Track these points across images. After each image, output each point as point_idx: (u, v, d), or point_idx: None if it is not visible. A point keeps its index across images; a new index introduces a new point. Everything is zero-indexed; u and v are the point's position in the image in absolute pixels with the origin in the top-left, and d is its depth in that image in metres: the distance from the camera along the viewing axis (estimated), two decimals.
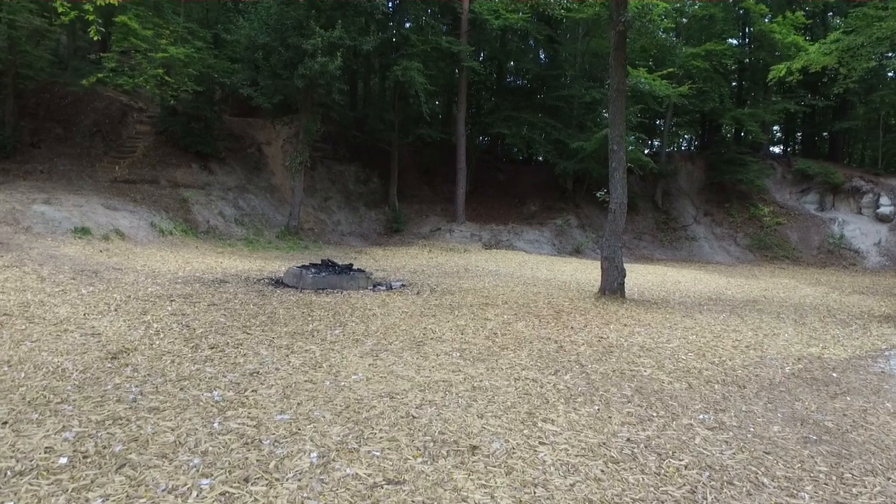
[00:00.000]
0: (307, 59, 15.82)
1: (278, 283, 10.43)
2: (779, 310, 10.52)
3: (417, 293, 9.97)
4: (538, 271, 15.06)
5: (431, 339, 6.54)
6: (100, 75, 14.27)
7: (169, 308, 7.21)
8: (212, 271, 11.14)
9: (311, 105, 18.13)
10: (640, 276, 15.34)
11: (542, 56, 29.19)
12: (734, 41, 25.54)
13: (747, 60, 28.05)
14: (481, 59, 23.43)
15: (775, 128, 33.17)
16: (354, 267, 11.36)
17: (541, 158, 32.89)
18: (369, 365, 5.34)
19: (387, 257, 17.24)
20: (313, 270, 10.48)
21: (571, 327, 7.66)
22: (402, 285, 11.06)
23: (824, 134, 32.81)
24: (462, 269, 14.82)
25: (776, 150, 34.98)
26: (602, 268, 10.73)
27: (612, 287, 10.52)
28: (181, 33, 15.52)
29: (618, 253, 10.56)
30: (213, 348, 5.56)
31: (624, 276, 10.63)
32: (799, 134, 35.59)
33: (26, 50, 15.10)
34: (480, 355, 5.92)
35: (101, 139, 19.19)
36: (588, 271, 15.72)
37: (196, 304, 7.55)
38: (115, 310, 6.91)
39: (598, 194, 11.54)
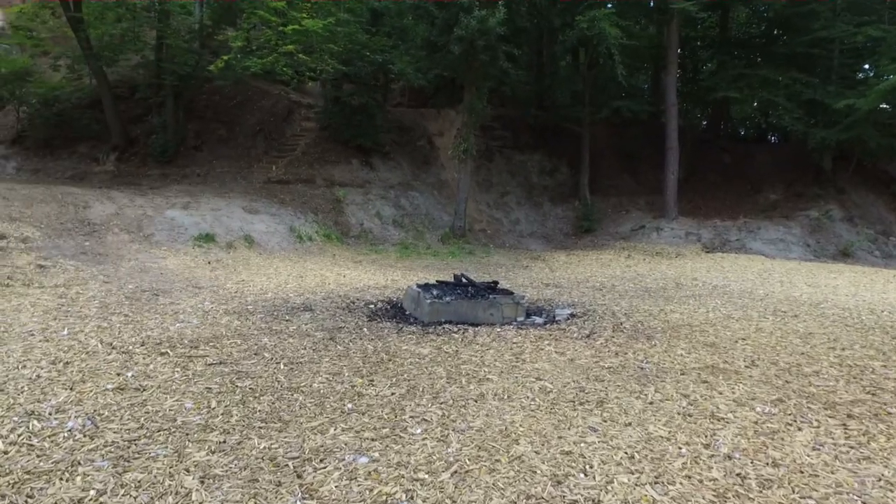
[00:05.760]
0: (462, 17, 12.52)
1: (392, 308, 7.20)
2: None
3: (589, 334, 5.97)
4: (793, 288, 9.87)
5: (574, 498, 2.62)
6: (225, 58, 12.43)
7: (130, 372, 4.26)
8: (316, 290, 8.30)
9: (476, 78, 14.79)
10: None
11: None
12: None
13: None
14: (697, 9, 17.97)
15: None
16: (500, 286, 7.66)
17: (774, 137, 25.78)
18: None
19: (569, 265, 13.23)
20: (434, 293, 7.04)
21: None
22: (571, 315, 7.12)
23: None
24: (672, 283, 10.27)
25: None
26: None
27: None
28: (323, 3, 13.15)
29: None
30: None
31: None
32: None
33: (170, 43, 14.06)
34: None
35: (263, 138, 18.03)
36: (878, 286, 10.10)
37: (189, 365, 4.52)
38: (52, 378, 4.14)
39: None
